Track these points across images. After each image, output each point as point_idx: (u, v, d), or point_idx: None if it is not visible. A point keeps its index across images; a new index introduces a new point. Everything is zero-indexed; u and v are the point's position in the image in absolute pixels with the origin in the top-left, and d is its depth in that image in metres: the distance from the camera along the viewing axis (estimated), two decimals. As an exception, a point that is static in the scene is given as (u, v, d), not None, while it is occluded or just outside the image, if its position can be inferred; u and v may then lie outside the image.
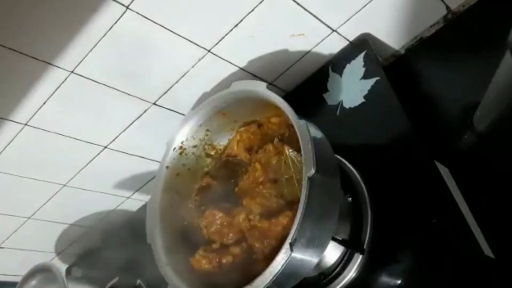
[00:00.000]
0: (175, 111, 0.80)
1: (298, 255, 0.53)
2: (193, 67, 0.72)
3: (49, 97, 0.70)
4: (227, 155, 0.72)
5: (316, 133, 0.60)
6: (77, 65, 0.66)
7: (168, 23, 0.64)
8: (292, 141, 0.64)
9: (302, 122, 0.56)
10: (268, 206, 0.62)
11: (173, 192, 0.71)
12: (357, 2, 0.68)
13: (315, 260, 0.57)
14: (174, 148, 0.71)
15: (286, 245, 0.51)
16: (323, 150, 0.57)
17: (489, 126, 0.59)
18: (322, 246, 0.57)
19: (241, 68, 0.75)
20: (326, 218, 0.56)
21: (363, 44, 0.73)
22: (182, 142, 0.71)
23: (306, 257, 0.55)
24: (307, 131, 0.55)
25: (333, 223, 0.58)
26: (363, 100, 0.71)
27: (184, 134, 0.71)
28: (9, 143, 0.76)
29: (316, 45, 0.74)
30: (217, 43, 0.69)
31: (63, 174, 0.88)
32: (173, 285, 0.62)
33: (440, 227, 0.59)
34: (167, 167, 0.71)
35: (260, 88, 0.62)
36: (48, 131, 0.76)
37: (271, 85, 0.80)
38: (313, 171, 0.51)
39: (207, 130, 0.72)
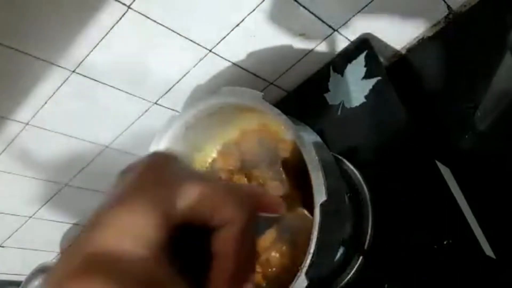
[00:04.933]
0: (177, 111, 0.80)
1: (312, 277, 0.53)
2: (194, 67, 0.72)
3: (51, 96, 0.70)
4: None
5: (316, 138, 0.60)
6: (79, 65, 0.66)
7: (170, 23, 0.64)
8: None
9: (309, 143, 0.55)
10: None
11: None
12: (358, 2, 0.68)
13: (324, 274, 0.57)
14: None
15: (302, 276, 0.51)
16: (327, 165, 0.56)
17: (490, 126, 0.59)
18: (332, 260, 0.58)
19: (242, 68, 0.75)
20: (336, 236, 0.56)
21: (364, 44, 0.73)
22: (167, 148, 0.68)
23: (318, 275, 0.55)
24: (316, 157, 0.54)
25: (342, 233, 0.58)
26: (364, 100, 0.71)
27: (168, 139, 0.68)
28: (11, 142, 0.76)
29: (317, 45, 0.74)
30: (218, 43, 0.69)
31: (64, 173, 0.88)
32: None
33: (441, 227, 0.59)
34: None
35: (256, 100, 0.60)
36: (50, 130, 0.76)
37: (272, 85, 0.80)
38: (324, 197, 0.51)
39: (194, 133, 0.68)
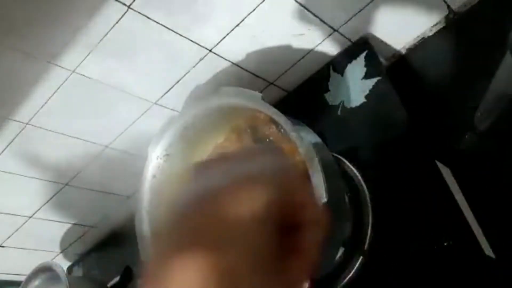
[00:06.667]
0: (177, 111, 0.80)
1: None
2: (194, 66, 0.72)
3: (51, 96, 0.70)
4: None
5: (315, 138, 0.60)
6: (79, 65, 0.67)
7: (170, 23, 0.64)
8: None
9: (309, 144, 0.54)
10: None
11: (162, 202, 0.68)
12: (358, 2, 0.68)
13: (324, 273, 0.57)
14: (158, 156, 0.69)
15: None
16: (327, 165, 0.56)
17: (490, 126, 0.59)
18: (332, 260, 0.58)
19: (242, 68, 0.75)
20: (336, 236, 0.57)
21: (364, 44, 0.73)
22: (166, 149, 0.69)
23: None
24: (316, 157, 0.53)
25: (342, 234, 0.58)
26: (364, 100, 0.71)
27: (167, 139, 0.68)
28: (10, 142, 0.76)
29: (318, 44, 0.74)
30: (218, 43, 0.69)
31: (64, 173, 0.88)
32: None
33: (440, 227, 0.59)
34: (153, 176, 0.69)
35: (255, 100, 0.60)
36: (49, 130, 0.76)
37: (272, 85, 0.80)
38: (325, 198, 0.51)
39: (193, 133, 0.68)
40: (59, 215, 0.98)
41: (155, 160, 0.69)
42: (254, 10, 0.65)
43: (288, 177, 0.28)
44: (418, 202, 0.62)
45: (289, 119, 0.57)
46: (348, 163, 0.68)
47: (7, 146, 0.77)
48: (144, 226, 0.67)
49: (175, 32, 0.65)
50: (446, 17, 0.71)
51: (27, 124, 0.74)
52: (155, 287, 0.24)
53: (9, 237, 0.99)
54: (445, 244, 0.58)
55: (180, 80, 0.74)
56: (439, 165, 0.62)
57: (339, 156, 0.69)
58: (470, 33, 0.69)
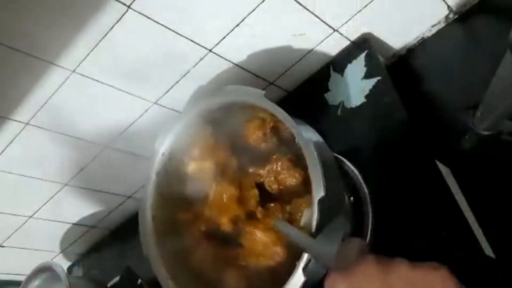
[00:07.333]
0: (176, 111, 0.80)
1: (309, 275, 0.53)
2: (194, 66, 0.72)
3: (51, 96, 0.70)
4: None
5: (316, 137, 0.60)
6: (79, 65, 0.67)
7: (170, 23, 0.64)
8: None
9: (308, 140, 0.55)
10: None
11: (166, 199, 0.69)
12: (358, 2, 0.68)
13: (324, 271, 0.57)
14: (163, 153, 0.69)
15: (299, 271, 0.51)
16: (327, 162, 0.56)
17: (490, 125, 0.59)
18: (331, 258, 0.58)
19: (243, 68, 0.75)
20: (335, 231, 0.56)
21: (364, 44, 0.73)
22: (170, 146, 0.69)
23: (316, 271, 0.55)
24: (316, 153, 0.53)
25: (341, 232, 0.58)
26: (364, 100, 0.71)
27: (171, 138, 0.69)
28: (10, 142, 0.76)
29: (318, 44, 0.74)
30: (218, 43, 0.69)
31: (64, 173, 0.88)
32: None
33: (441, 227, 0.59)
34: (157, 173, 0.69)
35: (257, 97, 0.60)
36: (49, 130, 0.76)
37: (272, 85, 0.80)
38: (323, 193, 0.51)
39: (195, 132, 0.69)
40: (59, 215, 0.98)
41: (160, 158, 0.69)
42: (254, 10, 0.65)
43: None
44: (418, 202, 0.62)
45: (291, 117, 0.57)
46: (348, 163, 0.68)
47: (7, 146, 0.77)
48: (148, 224, 0.68)
49: (175, 32, 0.65)
50: (446, 17, 0.71)
51: (27, 124, 0.74)
52: None
53: (9, 237, 0.99)
54: (445, 243, 0.58)
55: (180, 80, 0.74)
56: (439, 165, 0.62)
57: (340, 156, 0.69)
58: (470, 33, 0.69)
